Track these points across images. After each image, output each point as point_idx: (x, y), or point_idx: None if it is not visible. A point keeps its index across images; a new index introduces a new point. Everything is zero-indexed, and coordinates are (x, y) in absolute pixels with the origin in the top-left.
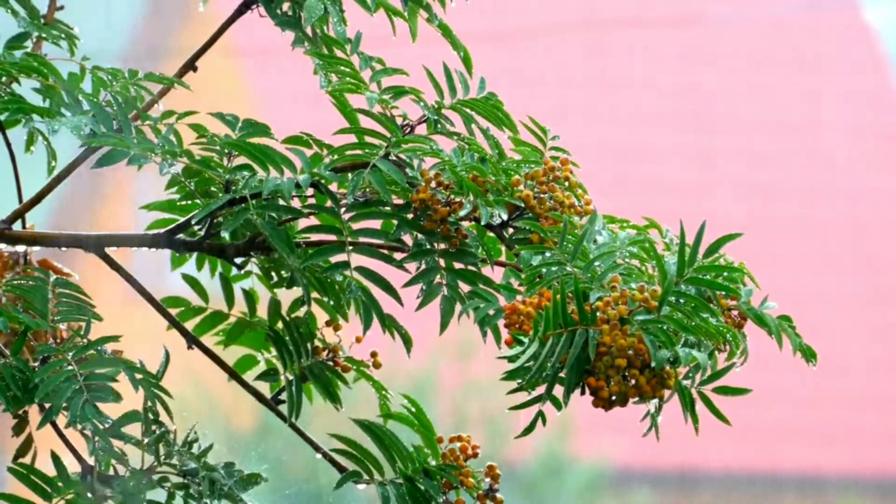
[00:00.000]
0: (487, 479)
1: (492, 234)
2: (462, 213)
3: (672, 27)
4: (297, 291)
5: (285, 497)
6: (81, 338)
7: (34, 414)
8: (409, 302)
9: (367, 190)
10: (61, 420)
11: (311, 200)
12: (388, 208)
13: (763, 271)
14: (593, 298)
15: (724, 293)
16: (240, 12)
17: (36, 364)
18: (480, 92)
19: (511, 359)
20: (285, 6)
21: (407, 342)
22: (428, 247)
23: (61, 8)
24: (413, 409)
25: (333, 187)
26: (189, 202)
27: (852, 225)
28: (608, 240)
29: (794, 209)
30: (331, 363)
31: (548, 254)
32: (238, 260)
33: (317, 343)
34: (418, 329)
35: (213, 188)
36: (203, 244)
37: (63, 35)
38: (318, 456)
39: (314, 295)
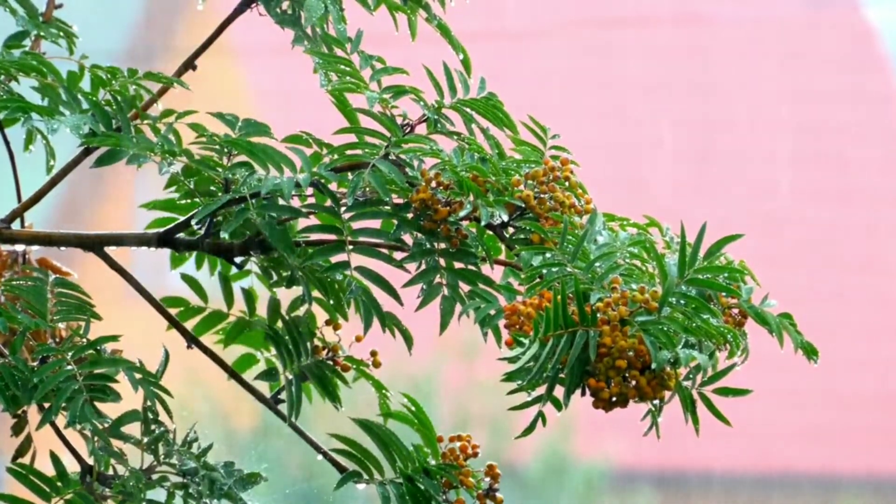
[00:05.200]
0: (487, 479)
1: (491, 233)
2: (462, 213)
3: (672, 26)
4: (296, 290)
5: (285, 497)
6: (81, 337)
7: (33, 414)
8: (410, 302)
9: (367, 189)
10: (60, 420)
11: (311, 200)
12: (387, 208)
13: (763, 270)
14: (594, 299)
15: (724, 292)
16: (239, 11)
17: (35, 364)
18: (480, 91)
19: (511, 360)
20: (285, 5)
21: (408, 340)
22: (428, 247)
23: (60, 6)
24: (413, 409)
25: (333, 187)
26: (188, 201)
27: (853, 225)
28: (609, 240)
29: (793, 209)
30: (330, 362)
31: (548, 254)
32: (237, 259)
33: (316, 342)
34: (422, 330)
35: (212, 187)
36: (202, 243)
37: (62, 33)
38: (319, 457)
39: (314, 294)
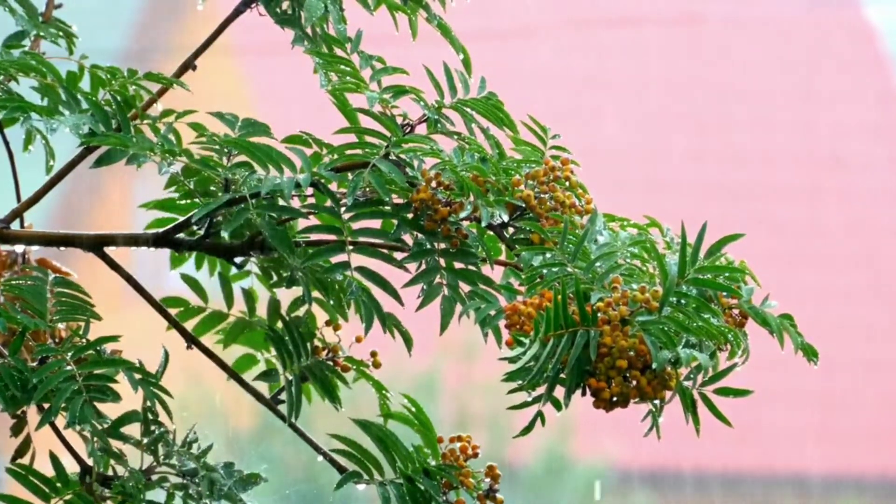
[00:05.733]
0: (487, 480)
1: (492, 233)
2: (463, 213)
3: (673, 26)
4: (296, 291)
5: (285, 497)
6: (80, 338)
7: (33, 414)
8: (411, 302)
9: (368, 189)
10: (60, 420)
11: (311, 200)
12: (388, 208)
13: (763, 271)
14: (594, 299)
15: (725, 292)
16: (239, 11)
17: (34, 364)
18: (481, 91)
19: (512, 360)
20: (284, 4)
21: (408, 341)
22: (428, 247)
23: (59, 6)
24: (413, 409)
25: (333, 187)
26: (188, 201)
27: (854, 225)
28: (609, 240)
29: (795, 209)
30: (330, 363)
31: (548, 254)
32: (237, 259)
33: (316, 343)
34: (422, 330)
35: (212, 187)
36: (202, 243)
37: (61, 33)
38: (319, 458)
39: (314, 294)
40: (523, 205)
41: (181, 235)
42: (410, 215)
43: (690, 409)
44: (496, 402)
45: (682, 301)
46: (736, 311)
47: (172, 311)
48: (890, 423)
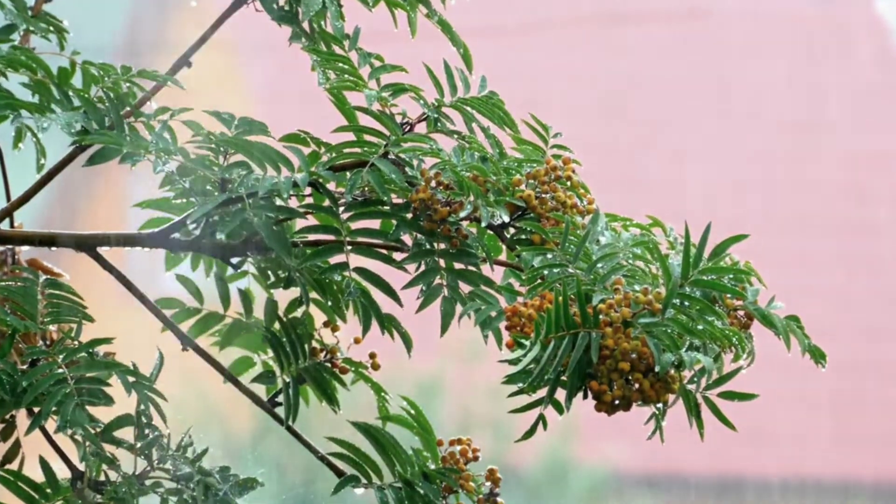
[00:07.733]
0: (488, 483)
1: (492, 234)
2: (463, 213)
3: (678, 21)
4: (294, 292)
5: (282, 502)
6: (72, 340)
7: (22, 418)
8: (411, 304)
9: (366, 189)
10: (50, 424)
11: (309, 200)
12: (387, 208)
13: (767, 271)
14: (596, 301)
15: (729, 294)
16: (235, 7)
17: (25, 367)
18: (481, 90)
19: (512, 362)
20: (282, 1)
21: (407, 342)
22: (428, 247)
23: (49, 0)
24: (412, 412)
25: (332, 186)
26: (184, 201)
27: (863, 224)
28: (611, 240)
29: (799, 208)
30: (328, 365)
31: (549, 255)
32: (234, 260)
33: (314, 344)
34: (425, 332)
35: (208, 187)
36: (198, 244)
37: (52, 28)
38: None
39: (312, 295)
40: (524, 205)
41: (176, 235)
42: (410, 215)
43: (694, 413)
44: (499, 405)
45: (686, 303)
46: (741, 313)
47: (167, 313)
48: (893, 426)
